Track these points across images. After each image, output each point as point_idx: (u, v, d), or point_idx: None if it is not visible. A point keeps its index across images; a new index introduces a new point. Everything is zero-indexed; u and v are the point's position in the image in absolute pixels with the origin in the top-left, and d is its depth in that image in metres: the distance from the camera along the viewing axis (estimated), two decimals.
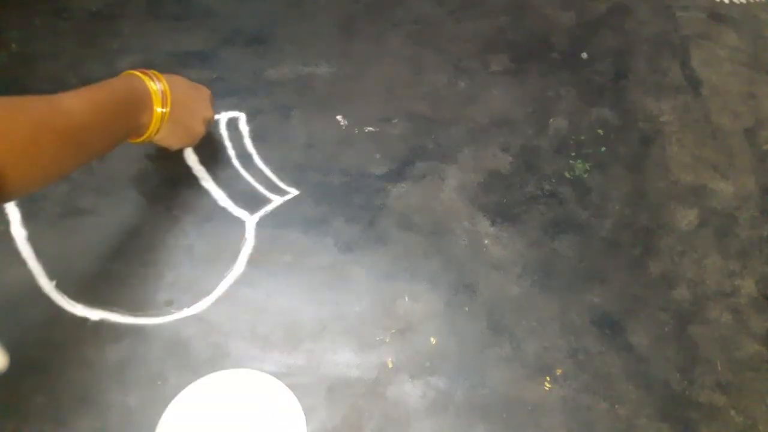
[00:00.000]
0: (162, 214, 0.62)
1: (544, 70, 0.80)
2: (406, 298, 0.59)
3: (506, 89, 0.77)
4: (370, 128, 0.72)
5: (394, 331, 0.57)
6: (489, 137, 0.72)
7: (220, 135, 0.69)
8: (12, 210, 0.61)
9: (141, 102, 0.51)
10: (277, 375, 0.53)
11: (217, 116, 0.71)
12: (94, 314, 0.56)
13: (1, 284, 0.56)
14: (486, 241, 0.64)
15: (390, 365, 0.55)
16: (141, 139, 0.54)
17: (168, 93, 0.54)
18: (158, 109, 0.53)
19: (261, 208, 0.64)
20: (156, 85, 0.53)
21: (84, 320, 0.55)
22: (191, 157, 0.67)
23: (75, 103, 0.45)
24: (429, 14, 0.85)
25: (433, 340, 0.57)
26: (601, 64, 0.82)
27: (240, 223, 0.62)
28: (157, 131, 0.55)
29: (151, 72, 0.54)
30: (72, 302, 0.56)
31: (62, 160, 0.44)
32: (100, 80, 0.72)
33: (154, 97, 0.52)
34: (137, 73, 0.53)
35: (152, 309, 0.56)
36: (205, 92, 0.62)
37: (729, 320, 0.61)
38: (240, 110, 0.71)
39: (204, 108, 0.61)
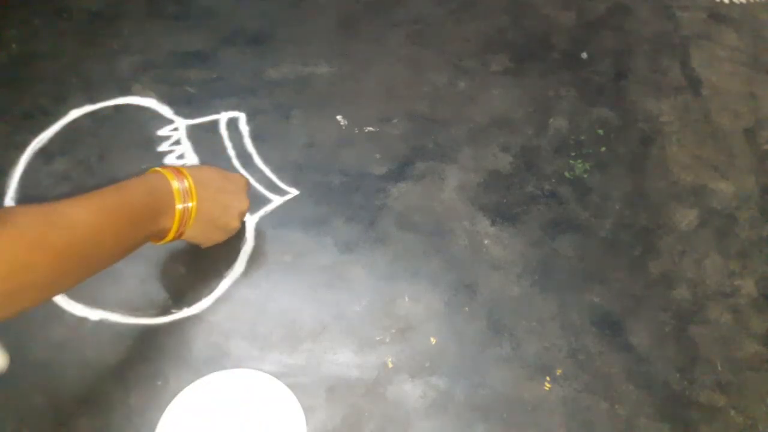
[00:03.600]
0: None
1: (544, 70, 0.80)
2: (406, 298, 0.59)
3: (506, 89, 0.77)
4: (370, 128, 0.72)
5: (394, 331, 0.57)
6: (489, 137, 0.72)
7: (220, 135, 0.69)
8: None
9: (162, 205, 0.46)
10: (277, 375, 0.53)
11: (217, 116, 0.71)
12: (94, 314, 0.56)
13: None
14: (486, 241, 0.64)
15: (390, 365, 0.55)
16: (163, 241, 0.49)
17: (193, 189, 0.49)
18: (179, 206, 0.47)
19: (261, 208, 0.64)
20: (179, 184, 0.47)
21: (84, 320, 0.55)
22: (192, 158, 0.67)
23: (80, 215, 0.40)
24: (429, 14, 0.85)
25: (433, 340, 0.57)
26: (601, 64, 0.82)
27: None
28: (181, 233, 0.50)
29: (177, 168, 0.49)
30: (72, 302, 0.56)
31: (60, 279, 0.39)
32: (99, 79, 0.73)
33: (176, 195, 0.47)
34: (161, 170, 0.48)
35: (152, 309, 0.56)
36: (239, 182, 0.56)
37: (729, 320, 0.61)
38: (240, 110, 0.71)
39: (238, 201, 0.55)
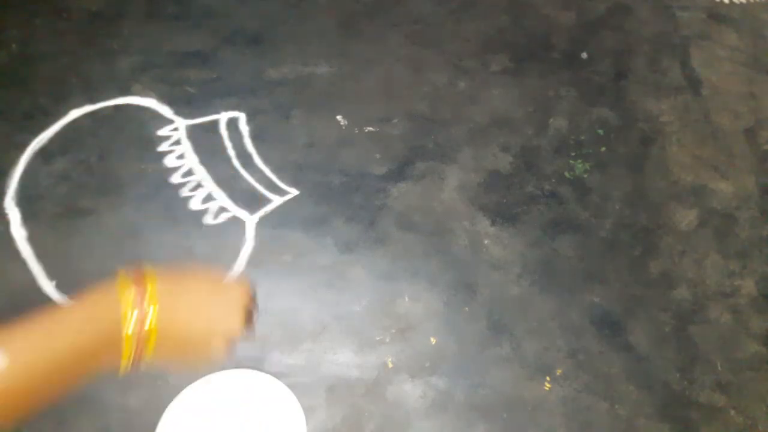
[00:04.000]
0: (162, 214, 0.62)
1: (544, 70, 0.80)
2: (406, 298, 0.59)
3: (506, 89, 0.77)
4: (370, 128, 0.72)
5: (393, 331, 0.57)
6: (489, 137, 0.72)
7: (220, 135, 0.69)
8: (12, 211, 0.61)
9: (105, 337, 0.34)
10: (277, 375, 0.53)
11: (217, 116, 0.71)
12: None
13: (1, 284, 0.56)
14: (486, 241, 0.64)
15: (390, 365, 0.55)
16: (119, 373, 0.36)
17: (154, 298, 0.36)
18: (128, 332, 0.35)
19: (261, 208, 0.64)
20: (133, 308, 0.35)
21: None
22: (192, 158, 0.67)
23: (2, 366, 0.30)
24: (429, 14, 0.85)
25: (432, 340, 0.57)
26: (601, 64, 0.82)
27: (240, 223, 0.62)
28: (136, 360, 0.35)
29: (141, 279, 0.36)
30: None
31: None
32: (99, 79, 0.73)
33: (124, 318, 0.35)
34: (119, 286, 0.35)
35: None
36: (232, 295, 0.39)
37: (729, 320, 0.61)
38: (240, 110, 0.71)
39: (223, 322, 0.39)
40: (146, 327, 0.35)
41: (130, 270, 0.35)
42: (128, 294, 0.35)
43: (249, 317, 0.41)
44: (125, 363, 0.35)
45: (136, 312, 0.35)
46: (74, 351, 0.33)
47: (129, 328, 0.34)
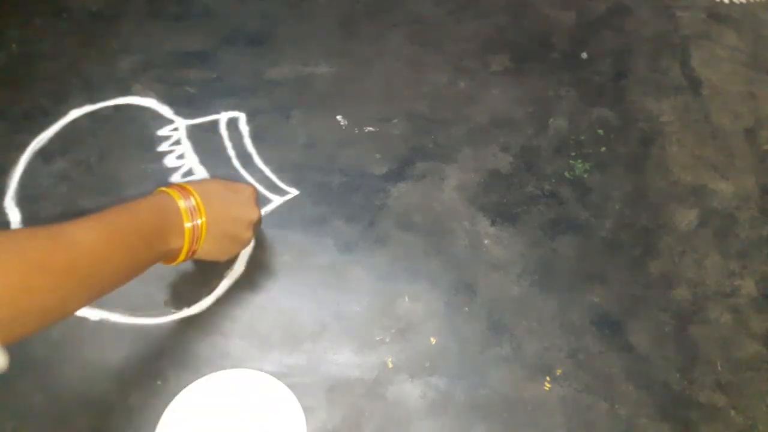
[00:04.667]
0: None
1: (544, 70, 0.80)
2: (406, 298, 0.59)
3: (506, 89, 0.77)
4: (370, 128, 0.72)
5: (393, 331, 0.57)
6: (489, 137, 0.72)
7: (220, 135, 0.69)
8: (12, 211, 0.61)
9: (170, 225, 0.45)
10: (277, 375, 0.53)
11: (217, 116, 0.71)
12: (94, 314, 0.56)
13: None
14: (486, 241, 0.64)
15: (390, 365, 0.55)
16: (176, 262, 0.48)
17: (201, 206, 0.47)
18: (187, 225, 0.46)
19: (261, 209, 0.64)
20: (185, 203, 0.46)
21: (84, 320, 0.55)
22: (192, 158, 0.67)
23: (85, 236, 0.38)
24: (429, 14, 0.85)
25: (433, 340, 0.57)
26: (601, 64, 0.82)
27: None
28: (193, 252, 0.48)
29: (182, 186, 0.48)
30: None
31: (63, 302, 0.37)
32: (99, 79, 0.73)
33: (184, 214, 0.46)
34: (167, 190, 0.47)
35: (152, 309, 0.56)
36: (246, 192, 0.54)
37: (729, 320, 0.61)
38: (240, 110, 0.71)
39: (248, 211, 0.53)
40: (199, 222, 0.47)
41: (174, 186, 0.49)
42: (180, 200, 0.47)
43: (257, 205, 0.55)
44: (185, 251, 0.47)
45: (190, 210, 0.47)
46: (149, 229, 0.44)
47: (188, 222, 0.47)
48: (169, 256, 0.48)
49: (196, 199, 0.48)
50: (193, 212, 0.47)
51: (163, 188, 0.48)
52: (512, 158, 0.71)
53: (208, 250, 0.51)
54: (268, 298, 0.58)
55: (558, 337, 0.58)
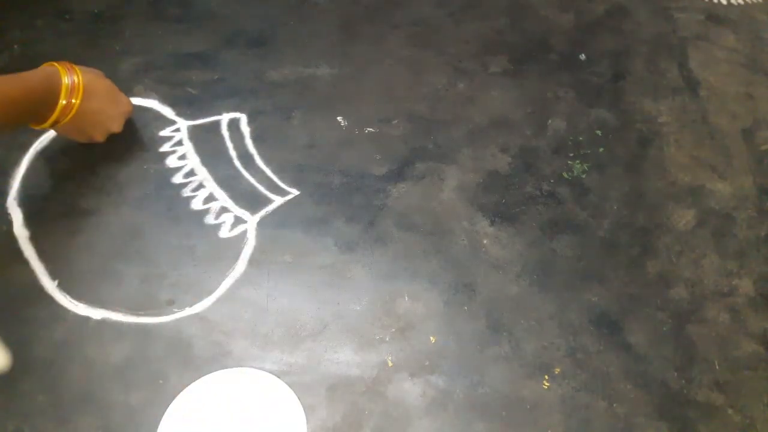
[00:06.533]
0: (164, 214, 0.63)
1: (543, 72, 0.81)
2: (406, 298, 0.59)
3: (505, 90, 0.78)
4: (370, 129, 0.72)
5: (393, 330, 0.57)
6: (488, 138, 0.73)
7: (221, 136, 0.70)
8: (14, 210, 0.61)
9: (49, 98, 0.54)
10: (278, 374, 0.54)
11: (218, 117, 0.71)
12: (96, 314, 0.56)
13: (3, 284, 0.57)
14: (485, 241, 0.64)
15: (390, 364, 0.55)
16: (39, 126, 0.56)
17: (80, 88, 0.56)
18: (63, 101, 0.55)
19: (262, 209, 0.64)
20: (68, 79, 0.55)
21: (86, 319, 0.56)
22: (193, 159, 0.67)
23: None
24: (428, 16, 0.86)
25: (432, 339, 0.57)
26: (599, 66, 0.82)
27: (241, 223, 0.63)
28: (56, 123, 0.57)
29: (71, 65, 0.57)
30: (74, 302, 0.56)
31: None
32: None
33: (63, 91, 0.55)
34: (57, 65, 0.56)
35: (154, 308, 0.57)
36: (122, 105, 0.64)
37: (727, 320, 0.61)
38: (241, 111, 0.72)
39: (113, 121, 0.64)
40: (74, 101, 0.56)
41: (64, 63, 0.57)
42: (65, 75, 0.56)
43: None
44: (50, 121, 0.56)
45: (70, 88, 0.56)
46: (30, 99, 0.52)
47: (63, 100, 0.56)
48: (34, 122, 0.56)
49: (78, 79, 0.56)
50: (72, 91, 0.56)
51: (54, 63, 0.56)
52: (511, 159, 0.71)
53: (70, 128, 0.59)
54: (269, 298, 0.58)
55: (556, 336, 0.58)
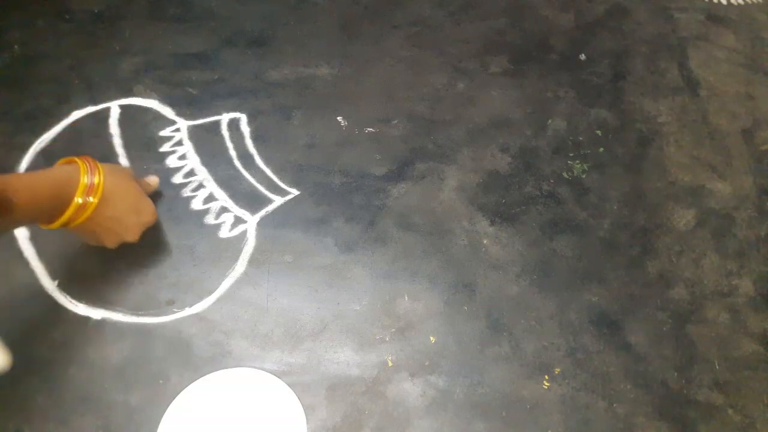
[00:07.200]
0: (164, 214, 0.63)
1: (543, 72, 0.81)
2: (406, 298, 0.59)
3: (505, 90, 0.78)
4: (370, 129, 0.72)
5: (393, 330, 0.57)
6: (488, 138, 0.73)
7: (221, 136, 0.70)
8: None
9: (63, 198, 0.49)
10: (278, 374, 0.54)
11: (218, 117, 0.71)
12: (96, 314, 0.56)
13: (3, 284, 0.57)
14: (485, 241, 0.64)
15: (390, 364, 0.55)
16: (48, 227, 0.50)
17: (100, 188, 0.51)
18: (78, 200, 0.49)
19: (262, 208, 0.64)
20: (88, 179, 0.50)
21: (86, 319, 0.56)
22: (194, 159, 0.67)
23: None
24: (428, 16, 0.86)
25: (432, 339, 0.57)
26: (599, 66, 0.82)
27: (241, 223, 0.63)
28: (69, 223, 0.50)
29: (94, 163, 0.52)
30: (74, 302, 0.56)
31: None
32: (101, 80, 0.73)
33: (79, 190, 0.49)
34: (78, 161, 0.51)
35: (154, 308, 0.57)
36: (144, 215, 0.57)
37: (727, 320, 0.61)
38: (241, 111, 0.72)
39: (127, 229, 0.56)
40: (90, 199, 0.50)
41: (87, 159, 0.51)
42: (85, 175, 0.50)
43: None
44: (61, 221, 0.49)
45: (87, 188, 0.49)
46: (42, 204, 0.47)
47: (80, 198, 0.49)
48: (42, 222, 0.50)
49: (99, 180, 0.50)
50: (89, 191, 0.50)
51: (76, 158, 0.51)
52: (511, 159, 0.71)
53: (80, 228, 0.52)
54: (269, 298, 0.58)
55: (556, 336, 0.58)
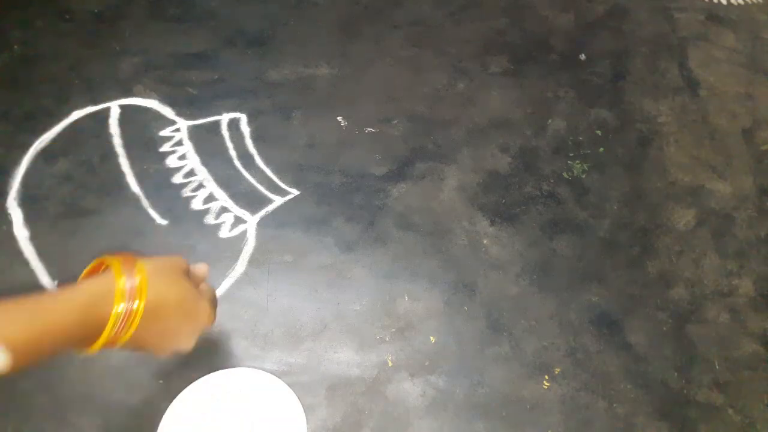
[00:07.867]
0: (164, 214, 0.63)
1: (543, 72, 0.81)
2: (406, 298, 0.59)
3: (505, 90, 0.78)
4: (370, 129, 0.72)
5: (393, 330, 0.57)
6: (488, 138, 0.73)
7: (221, 136, 0.70)
8: (14, 210, 0.61)
9: (95, 316, 0.37)
10: (278, 374, 0.53)
11: (218, 117, 0.71)
12: None
13: (3, 284, 0.57)
14: (485, 241, 0.64)
15: (390, 364, 0.55)
16: (88, 352, 0.38)
17: (144, 288, 0.38)
18: (117, 309, 0.37)
19: (262, 208, 0.64)
20: (128, 282, 0.38)
21: None
22: (193, 159, 0.67)
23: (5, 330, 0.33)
24: (428, 16, 0.86)
25: (432, 339, 0.57)
26: (599, 66, 0.82)
27: (241, 223, 0.63)
28: (115, 339, 0.38)
29: (130, 260, 0.40)
30: None
31: None
32: (101, 80, 0.73)
33: (117, 297, 0.37)
34: (113, 262, 0.39)
35: None
36: (200, 318, 0.44)
37: (727, 320, 0.61)
38: (241, 111, 0.72)
39: (179, 337, 0.43)
40: (135, 305, 0.37)
41: (125, 258, 0.40)
42: (122, 282, 0.37)
43: (214, 309, 0.46)
44: (102, 339, 0.37)
45: (125, 300, 0.37)
46: (67, 332, 0.35)
47: (117, 308, 0.37)
48: (80, 347, 0.38)
49: (142, 280, 0.39)
50: (131, 293, 0.38)
51: (108, 258, 0.40)
52: (511, 159, 0.71)
53: (131, 346, 0.40)
54: (269, 298, 0.58)
55: (556, 336, 0.58)
